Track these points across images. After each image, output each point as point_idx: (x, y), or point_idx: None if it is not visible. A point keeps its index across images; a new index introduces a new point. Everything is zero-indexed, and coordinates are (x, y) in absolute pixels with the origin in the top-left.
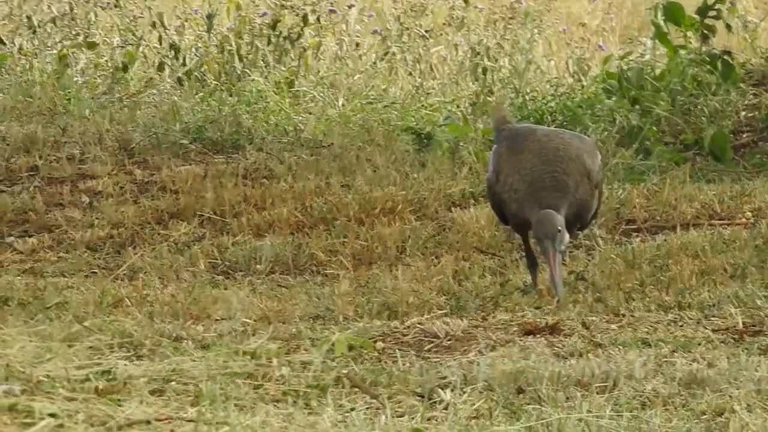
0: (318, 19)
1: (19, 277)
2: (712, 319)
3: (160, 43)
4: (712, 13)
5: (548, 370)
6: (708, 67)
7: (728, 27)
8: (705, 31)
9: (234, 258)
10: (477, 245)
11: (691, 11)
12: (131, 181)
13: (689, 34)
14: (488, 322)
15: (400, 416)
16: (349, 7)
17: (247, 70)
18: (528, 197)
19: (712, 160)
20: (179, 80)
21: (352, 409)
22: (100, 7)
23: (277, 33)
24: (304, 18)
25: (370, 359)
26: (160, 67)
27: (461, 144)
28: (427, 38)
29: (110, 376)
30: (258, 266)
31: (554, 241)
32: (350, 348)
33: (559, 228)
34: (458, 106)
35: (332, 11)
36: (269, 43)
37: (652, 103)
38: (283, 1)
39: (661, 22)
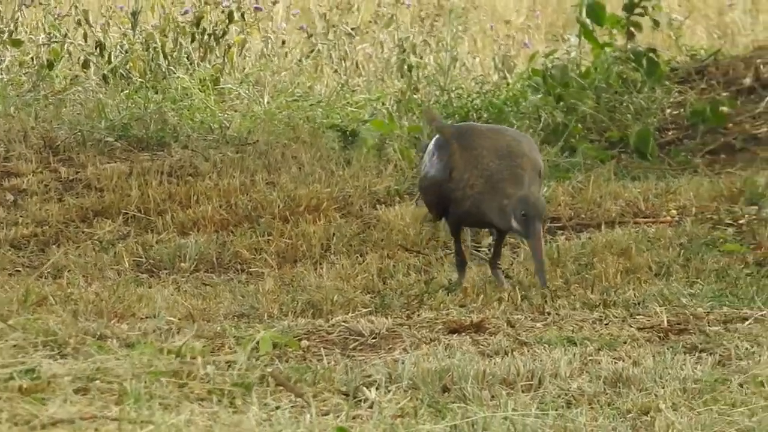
0: (243, 15)
1: None
2: (638, 317)
3: (86, 41)
4: (638, 10)
5: (473, 369)
6: (633, 64)
7: (655, 23)
8: (631, 28)
9: (158, 256)
10: (402, 243)
11: (617, 9)
12: (56, 179)
13: (614, 31)
14: (413, 320)
15: (325, 415)
16: (274, 3)
17: (172, 68)
18: (488, 191)
19: (637, 158)
20: (104, 78)
21: (277, 408)
22: (25, 5)
23: (202, 30)
24: (230, 15)
25: (295, 358)
26: (86, 65)
27: (387, 141)
28: (353, 36)
29: (34, 375)
30: (183, 264)
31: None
32: (275, 346)
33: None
34: (384, 104)
35: (257, 8)
36: (194, 40)
37: (577, 101)
38: None
39: (587, 20)
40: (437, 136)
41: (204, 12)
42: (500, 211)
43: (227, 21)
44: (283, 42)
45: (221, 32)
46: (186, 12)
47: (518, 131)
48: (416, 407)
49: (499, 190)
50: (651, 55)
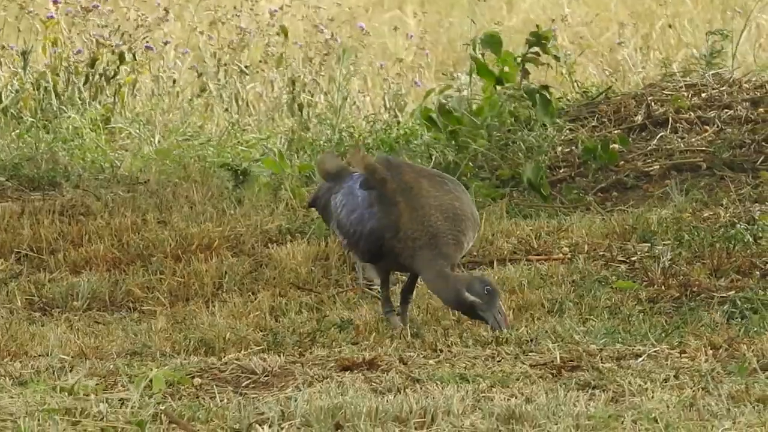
0: (134, 56)
1: None
2: (530, 354)
3: None
4: (534, 49)
5: (366, 406)
6: (527, 102)
7: (556, 59)
8: (525, 66)
9: (51, 294)
10: (294, 281)
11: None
12: None
13: (506, 68)
14: (305, 357)
15: None
16: (165, 44)
17: (64, 107)
18: (429, 249)
19: (528, 196)
20: None
21: None
22: None
23: (94, 70)
24: (121, 56)
25: (188, 395)
26: None
27: (278, 180)
28: (246, 74)
29: None
30: (75, 303)
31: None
32: (168, 384)
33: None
34: (274, 143)
35: (149, 48)
36: (87, 81)
37: (469, 139)
38: (99, 38)
39: (479, 56)
40: (364, 180)
41: (99, 54)
42: (438, 278)
43: (118, 62)
44: (174, 81)
45: (112, 72)
46: (79, 51)
47: (450, 177)
48: None
49: (441, 253)
50: (543, 92)
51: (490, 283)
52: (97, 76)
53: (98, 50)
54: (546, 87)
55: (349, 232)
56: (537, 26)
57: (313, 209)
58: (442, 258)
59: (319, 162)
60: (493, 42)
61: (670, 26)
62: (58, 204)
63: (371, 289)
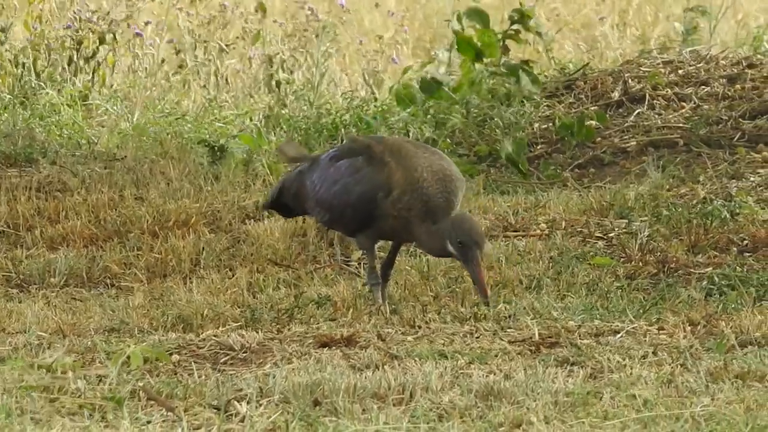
0: (114, 36)
1: None
2: (509, 330)
3: None
4: (515, 26)
5: (344, 383)
6: (507, 78)
7: (539, 35)
8: (506, 42)
9: (28, 271)
10: (271, 258)
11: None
12: None
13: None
14: (283, 334)
15: (197, 429)
16: (146, 24)
17: (42, 84)
18: (421, 215)
19: (506, 172)
20: None
21: (149, 422)
22: None
23: (75, 47)
24: (101, 37)
25: (166, 372)
26: None
27: (255, 157)
28: (226, 51)
29: None
30: (52, 279)
31: (482, 248)
32: (145, 361)
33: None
34: (251, 119)
35: (138, 34)
36: (71, 62)
37: (446, 115)
38: (84, 17)
39: (466, 28)
40: (346, 149)
41: (85, 37)
42: (430, 236)
43: (98, 42)
44: (152, 58)
45: (92, 52)
46: (69, 27)
47: (429, 146)
48: (288, 421)
49: (431, 215)
50: (525, 68)
51: (462, 229)
52: (80, 56)
53: (82, 31)
54: (527, 62)
55: (332, 205)
56: (520, 3)
57: (272, 210)
58: (436, 223)
59: (280, 152)
60: (479, 15)
61: None
62: (35, 180)
63: (349, 266)
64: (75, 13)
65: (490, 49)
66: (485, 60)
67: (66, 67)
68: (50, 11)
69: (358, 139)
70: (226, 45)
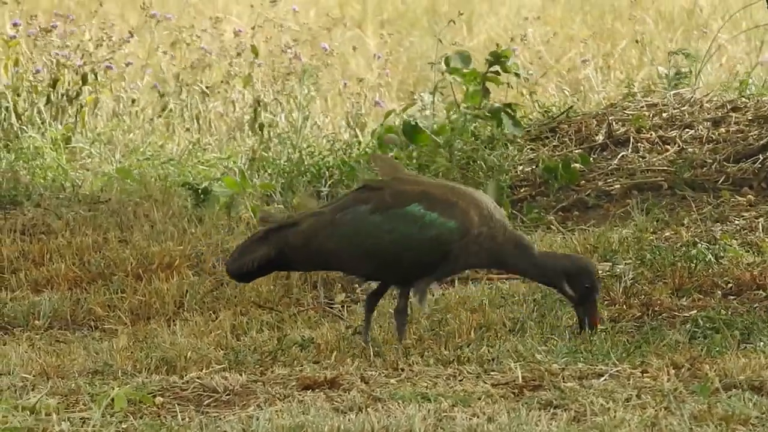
0: (96, 76)
1: None
2: (492, 373)
3: None
4: (494, 67)
5: (327, 425)
6: (489, 120)
7: (517, 75)
8: (485, 85)
9: (12, 313)
10: (255, 300)
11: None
12: None
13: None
14: (267, 376)
15: None
16: (127, 65)
17: (25, 127)
18: (510, 242)
19: None
20: None
21: None
22: None
23: (55, 90)
24: (84, 77)
25: (150, 414)
26: None
27: (239, 199)
28: (207, 94)
29: None
30: (36, 321)
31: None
32: (129, 403)
33: None
34: (235, 162)
35: (109, 68)
36: (48, 102)
37: (430, 158)
38: (60, 58)
39: (449, 73)
40: (395, 198)
41: (61, 74)
42: (535, 267)
43: (81, 82)
44: (133, 101)
45: (74, 93)
46: (38, 71)
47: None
48: None
49: (520, 245)
50: (507, 110)
51: (591, 277)
52: (58, 96)
53: (59, 71)
54: (510, 105)
55: (387, 253)
56: (497, 45)
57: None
58: (526, 246)
59: (300, 206)
60: (464, 58)
61: (637, 41)
62: (19, 223)
63: (332, 308)
64: (51, 55)
65: (472, 93)
66: (467, 103)
67: (42, 108)
68: (27, 54)
69: (403, 191)
70: (207, 87)
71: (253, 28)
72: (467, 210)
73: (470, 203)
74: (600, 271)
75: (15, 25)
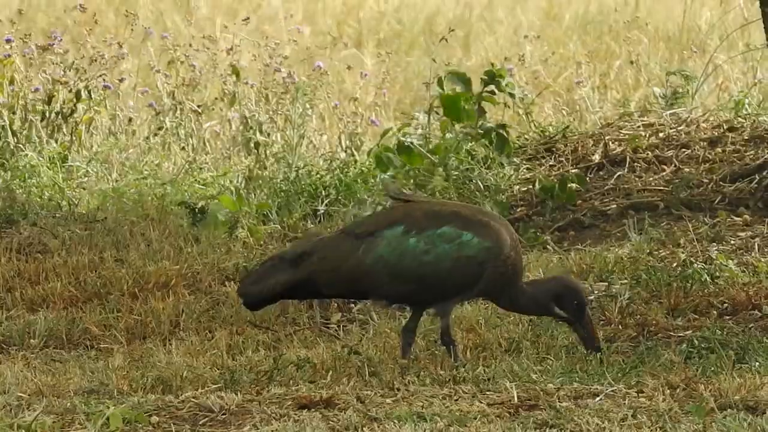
0: (90, 94)
1: None
2: (488, 393)
3: None
4: (490, 87)
5: None
6: (483, 140)
7: (511, 95)
8: (481, 104)
9: (8, 332)
10: (251, 319)
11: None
12: None
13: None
14: (263, 396)
15: None
16: (121, 81)
17: (21, 146)
18: (517, 274)
19: None
20: None
21: None
22: None
23: (50, 108)
24: (77, 94)
25: None
26: None
27: (235, 218)
28: (200, 113)
29: None
30: (32, 341)
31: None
32: (125, 422)
33: None
34: (231, 181)
35: (106, 87)
36: (43, 119)
37: (427, 177)
38: (55, 76)
39: (446, 93)
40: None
41: (56, 92)
42: (525, 296)
43: (75, 100)
44: (130, 120)
45: (69, 111)
46: (37, 90)
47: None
48: None
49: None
50: (500, 131)
51: (578, 293)
52: (53, 115)
53: (54, 88)
54: (503, 126)
55: (425, 274)
56: (492, 64)
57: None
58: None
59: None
60: (460, 78)
61: (632, 62)
62: (15, 242)
63: (328, 328)
64: (46, 73)
65: (467, 112)
66: (462, 123)
67: (39, 126)
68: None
69: (435, 211)
70: (199, 106)
71: (231, 48)
72: (500, 231)
73: (501, 225)
74: (596, 292)
75: (8, 41)
